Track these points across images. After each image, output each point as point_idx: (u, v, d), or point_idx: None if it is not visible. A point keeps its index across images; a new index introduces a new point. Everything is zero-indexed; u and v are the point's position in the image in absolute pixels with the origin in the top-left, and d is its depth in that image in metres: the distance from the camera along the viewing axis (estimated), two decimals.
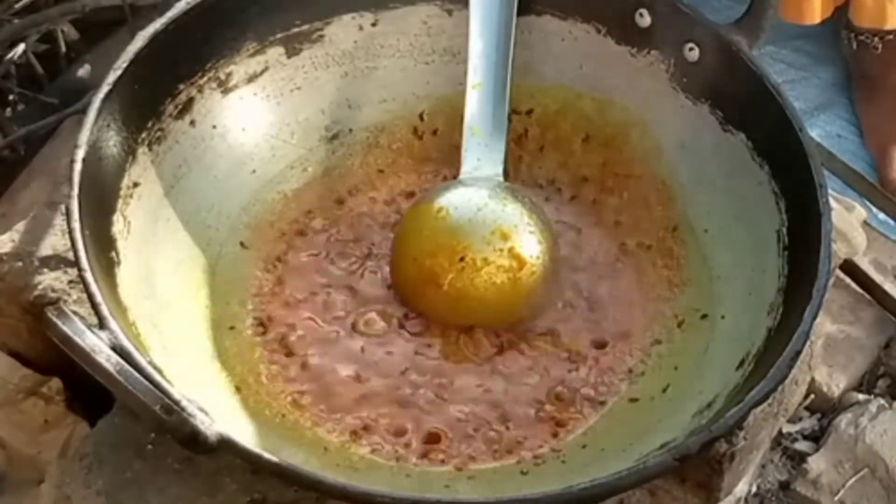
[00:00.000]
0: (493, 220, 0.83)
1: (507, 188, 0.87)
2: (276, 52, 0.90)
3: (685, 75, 0.90)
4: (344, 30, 0.92)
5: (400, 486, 0.74)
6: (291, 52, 0.91)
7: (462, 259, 0.82)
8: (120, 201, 0.80)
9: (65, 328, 0.66)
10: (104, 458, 0.77)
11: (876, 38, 1.25)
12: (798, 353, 0.73)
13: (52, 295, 0.85)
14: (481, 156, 0.90)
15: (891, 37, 1.24)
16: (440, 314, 0.84)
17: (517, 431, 0.79)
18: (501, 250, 0.83)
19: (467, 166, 0.89)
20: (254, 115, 0.90)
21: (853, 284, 1.10)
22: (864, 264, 1.09)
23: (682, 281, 0.87)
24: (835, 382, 1.04)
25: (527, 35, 0.93)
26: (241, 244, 0.87)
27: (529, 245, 0.83)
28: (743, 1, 0.88)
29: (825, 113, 1.28)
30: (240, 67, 0.89)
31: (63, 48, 1.24)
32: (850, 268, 1.08)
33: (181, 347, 0.78)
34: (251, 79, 0.90)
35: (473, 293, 0.82)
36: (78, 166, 0.76)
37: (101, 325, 0.69)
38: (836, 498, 0.95)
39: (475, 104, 0.90)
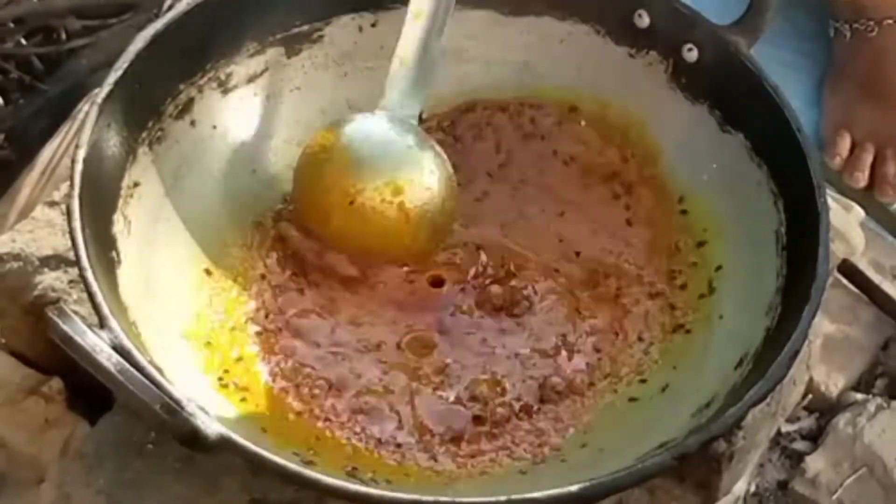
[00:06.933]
0: (392, 169, 0.84)
1: (417, 134, 0.86)
2: (276, 53, 0.90)
3: (684, 75, 0.90)
4: (344, 30, 0.92)
5: (399, 486, 0.75)
6: (291, 53, 0.91)
7: (352, 203, 0.83)
8: (120, 201, 0.80)
9: (65, 328, 0.66)
10: (105, 458, 0.78)
11: (846, 26, 1.27)
12: (797, 352, 0.73)
13: (53, 295, 0.85)
14: (404, 90, 0.87)
15: (858, 26, 1.26)
16: (332, 243, 0.85)
17: (515, 431, 0.79)
18: (391, 203, 0.83)
19: (386, 100, 0.87)
20: (254, 115, 0.90)
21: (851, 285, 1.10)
22: (863, 264, 1.09)
23: (681, 281, 0.87)
24: (833, 382, 1.04)
25: (526, 36, 0.93)
26: (242, 244, 0.87)
27: (420, 199, 0.84)
28: (742, 1, 0.88)
29: (816, 108, 1.29)
30: (240, 68, 0.89)
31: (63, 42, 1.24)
32: (848, 268, 1.08)
33: (182, 347, 0.78)
34: (251, 79, 0.90)
35: (359, 234, 0.84)
36: (79, 166, 0.76)
37: (102, 324, 0.69)
38: (834, 497, 0.95)
39: (411, 34, 0.86)
